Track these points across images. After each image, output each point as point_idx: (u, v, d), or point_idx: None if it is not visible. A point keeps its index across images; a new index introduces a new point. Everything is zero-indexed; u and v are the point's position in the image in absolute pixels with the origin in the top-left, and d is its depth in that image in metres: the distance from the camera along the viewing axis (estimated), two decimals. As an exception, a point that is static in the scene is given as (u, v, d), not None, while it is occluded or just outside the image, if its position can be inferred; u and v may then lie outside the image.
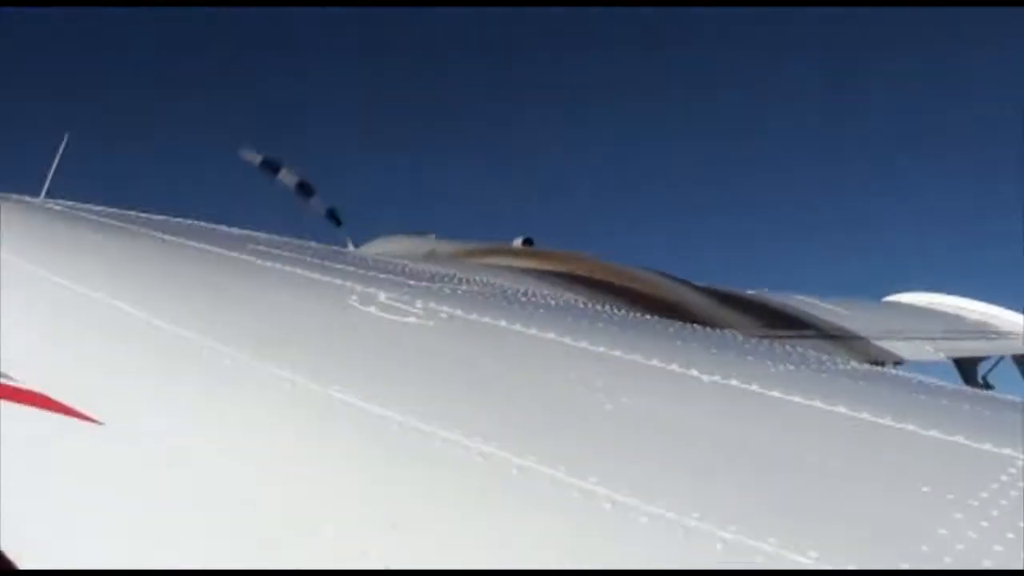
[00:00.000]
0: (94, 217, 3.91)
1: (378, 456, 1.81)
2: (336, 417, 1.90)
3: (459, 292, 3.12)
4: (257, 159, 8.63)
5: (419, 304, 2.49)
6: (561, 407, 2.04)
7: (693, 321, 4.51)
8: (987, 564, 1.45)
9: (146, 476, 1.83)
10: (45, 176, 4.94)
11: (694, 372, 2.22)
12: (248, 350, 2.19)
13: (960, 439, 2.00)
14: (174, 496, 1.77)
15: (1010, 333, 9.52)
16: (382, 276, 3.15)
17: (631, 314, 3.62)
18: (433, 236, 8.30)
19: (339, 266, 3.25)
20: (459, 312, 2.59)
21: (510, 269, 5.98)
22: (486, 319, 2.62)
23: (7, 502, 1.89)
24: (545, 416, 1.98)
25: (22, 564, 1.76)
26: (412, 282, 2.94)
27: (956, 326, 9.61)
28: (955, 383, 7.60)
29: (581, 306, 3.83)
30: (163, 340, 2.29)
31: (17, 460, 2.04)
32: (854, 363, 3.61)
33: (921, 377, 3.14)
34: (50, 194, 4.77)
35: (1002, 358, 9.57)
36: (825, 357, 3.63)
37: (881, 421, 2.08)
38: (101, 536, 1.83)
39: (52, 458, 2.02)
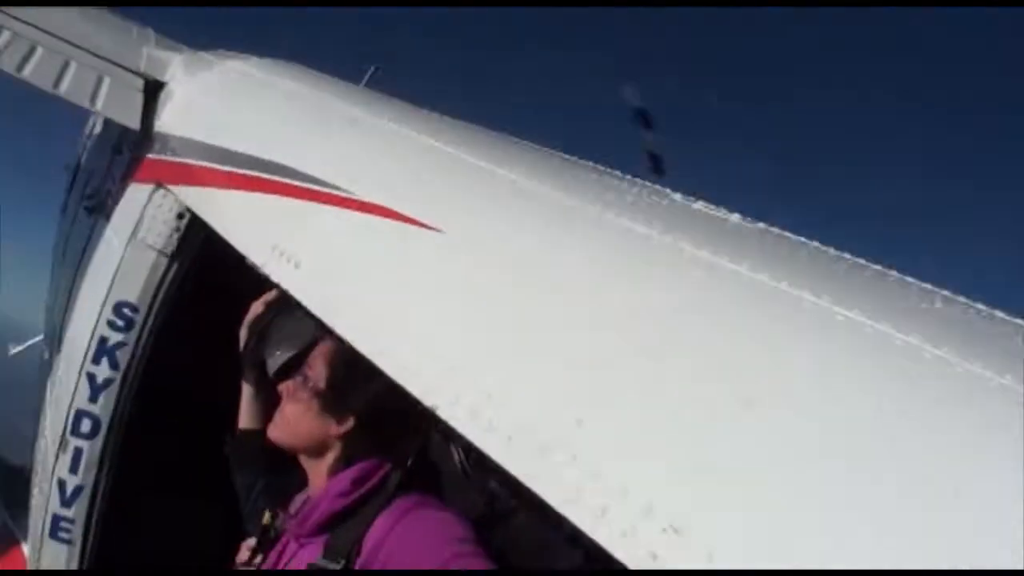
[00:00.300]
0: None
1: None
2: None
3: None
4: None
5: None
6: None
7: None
8: None
9: (482, 278, 1.96)
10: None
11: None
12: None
13: None
14: (510, 297, 1.89)
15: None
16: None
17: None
18: None
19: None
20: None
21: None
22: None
23: (359, 305, 2.11)
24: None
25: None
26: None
27: None
28: None
29: None
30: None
31: (363, 264, 2.23)
32: None
33: None
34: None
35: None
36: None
37: None
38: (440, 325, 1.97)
39: (395, 262, 2.16)
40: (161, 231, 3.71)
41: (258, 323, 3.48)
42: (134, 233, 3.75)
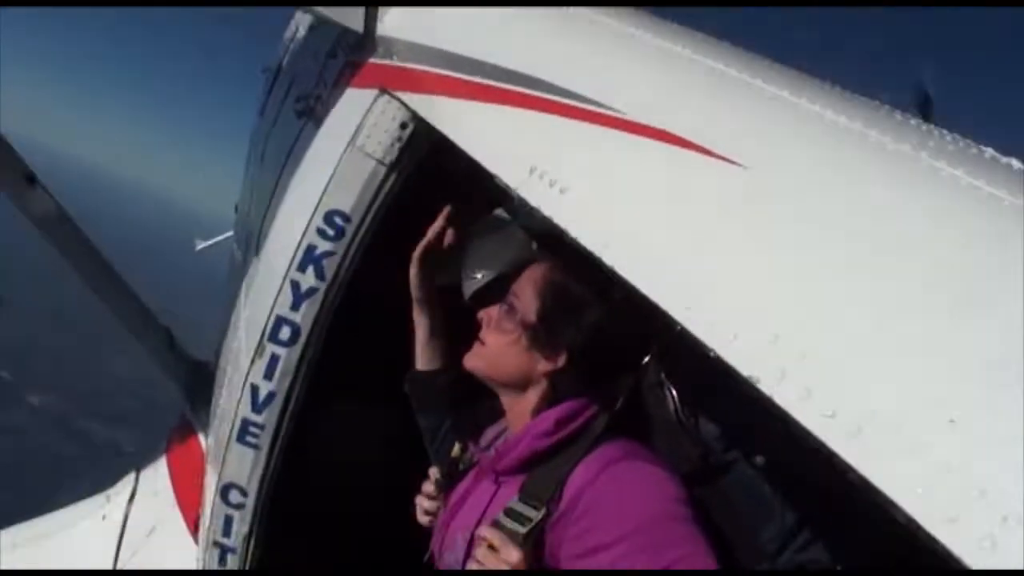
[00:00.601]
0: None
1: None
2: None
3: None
4: None
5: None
6: None
7: None
8: None
9: (797, 223, 1.76)
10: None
11: None
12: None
13: None
14: (830, 246, 1.69)
15: None
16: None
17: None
18: None
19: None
20: None
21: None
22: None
23: (644, 242, 1.92)
24: None
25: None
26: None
27: None
28: None
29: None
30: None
31: (650, 197, 2.05)
32: None
33: None
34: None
35: None
36: None
37: None
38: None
39: (690, 198, 1.97)
40: (382, 140, 3.55)
41: (447, 243, 3.34)
42: (352, 140, 3.61)
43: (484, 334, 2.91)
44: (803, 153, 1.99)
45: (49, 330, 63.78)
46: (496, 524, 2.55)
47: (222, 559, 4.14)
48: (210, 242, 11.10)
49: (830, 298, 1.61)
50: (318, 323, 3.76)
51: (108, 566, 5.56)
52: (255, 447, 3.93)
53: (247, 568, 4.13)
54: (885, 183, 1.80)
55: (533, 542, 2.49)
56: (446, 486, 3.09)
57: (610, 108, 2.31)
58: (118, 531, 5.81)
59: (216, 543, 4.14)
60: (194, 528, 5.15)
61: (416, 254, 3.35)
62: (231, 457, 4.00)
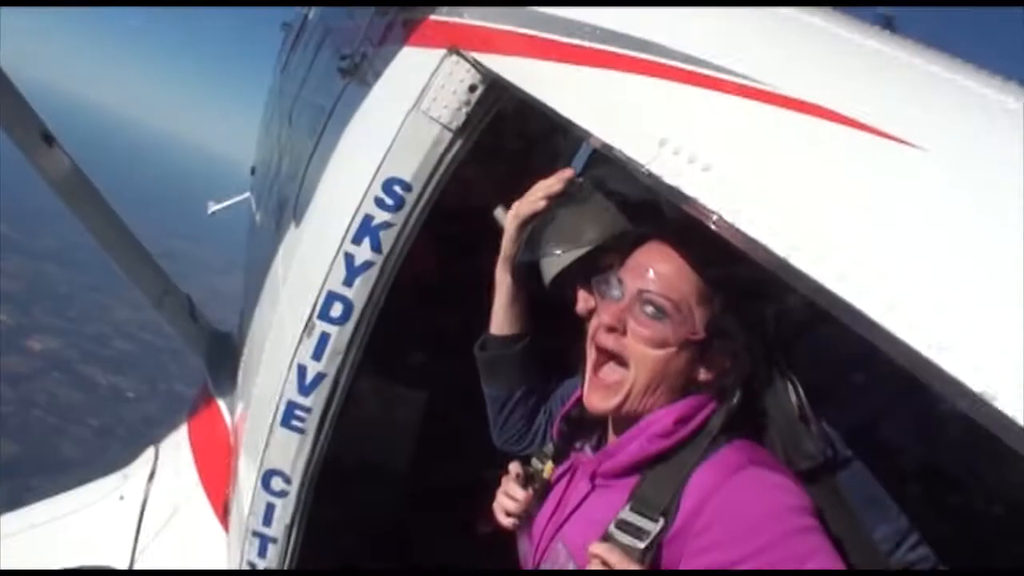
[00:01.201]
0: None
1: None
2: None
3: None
4: None
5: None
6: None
7: None
8: None
9: (965, 203, 1.57)
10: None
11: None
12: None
13: None
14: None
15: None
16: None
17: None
18: None
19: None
20: None
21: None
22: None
23: (810, 227, 1.71)
24: None
25: None
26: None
27: None
28: None
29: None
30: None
31: (813, 179, 1.82)
32: None
33: None
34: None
35: None
36: None
37: None
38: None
39: (865, 177, 1.74)
40: (449, 103, 3.28)
41: (533, 217, 3.05)
42: (416, 104, 3.33)
43: (619, 346, 2.47)
44: (980, 136, 1.74)
45: (52, 272, 64.28)
46: (608, 538, 2.30)
47: (262, 550, 3.90)
48: (224, 204, 10.82)
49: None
50: (372, 299, 3.50)
51: (127, 549, 5.33)
52: (301, 431, 3.68)
53: (289, 560, 3.90)
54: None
55: (652, 555, 2.26)
56: (537, 504, 2.79)
57: (753, 79, 2.03)
58: (137, 512, 5.58)
59: (256, 532, 3.89)
60: (222, 512, 4.92)
61: (520, 210, 3.04)
62: (274, 442, 3.75)
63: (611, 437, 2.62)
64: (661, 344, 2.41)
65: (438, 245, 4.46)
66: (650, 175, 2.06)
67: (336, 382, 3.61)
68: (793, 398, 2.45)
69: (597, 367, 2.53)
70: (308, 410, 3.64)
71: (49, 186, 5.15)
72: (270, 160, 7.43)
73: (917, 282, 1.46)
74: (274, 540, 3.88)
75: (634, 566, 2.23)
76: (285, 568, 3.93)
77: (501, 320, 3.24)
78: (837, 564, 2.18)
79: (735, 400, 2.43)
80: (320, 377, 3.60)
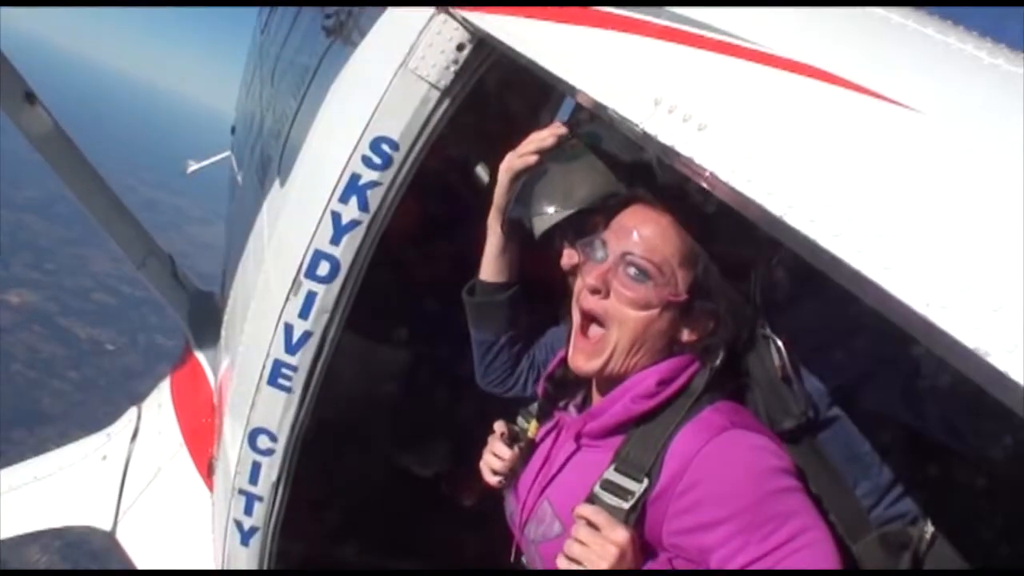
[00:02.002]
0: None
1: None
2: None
3: None
4: None
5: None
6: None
7: None
8: None
9: (963, 165, 1.58)
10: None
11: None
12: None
13: None
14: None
15: None
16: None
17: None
18: None
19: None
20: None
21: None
22: None
23: (805, 184, 1.72)
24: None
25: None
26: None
27: None
28: None
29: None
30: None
31: (811, 140, 1.83)
32: None
33: None
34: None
35: None
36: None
37: None
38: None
39: (862, 139, 1.75)
40: (437, 62, 3.26)
41: (525, 170, 3.08)
42: (404, 63, 3.31)
43: (601, 308, 2.52)
44: (978, 100, 1.76)
45: (32, 224, 63.87)
46: (593, 499, 2.36)
47: (248, 508, 3.92)
48: (203, 164, 10.75)
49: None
50: (359, 258, 3.50)
51: (110, 510, 5.35)
52: (287, 390, 3.68)
53: (275, 517, 3.92)
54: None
55: (636, 515, 2.32)
56: (522, 463, 2.84)
57: (747, 40, 2.05)
58: (120, 472, 5.58)
59: (242, 491, 3.91)
60: (206, 471, 4.93)
61: (512, 162, 3.10)
62: (260, 400, 3.75)
63: (595, 397, 2.67)
64: (644, 306, 2.46)
65: (421, 204, 4.47)
66: (645, 134, 2.06)
67: (323, 340, 3.61)
68: (776, 360, 2.48)
69: (582, 328, 2.57)
70: (295, 368, 3.65)
71: (32, 146, 5.12)
72: (251, 120, 7.38)
73: (913, 242, 1.47)
74: (260, 498, 3.90)
75: (620, 528, 2.28)
76: (271, 526, 3.96)
77: (490, 268, 3.31)
78: (818, 524, 2.24)
79: (718, 361, 2.47)
80: (307, 335, 3.60)
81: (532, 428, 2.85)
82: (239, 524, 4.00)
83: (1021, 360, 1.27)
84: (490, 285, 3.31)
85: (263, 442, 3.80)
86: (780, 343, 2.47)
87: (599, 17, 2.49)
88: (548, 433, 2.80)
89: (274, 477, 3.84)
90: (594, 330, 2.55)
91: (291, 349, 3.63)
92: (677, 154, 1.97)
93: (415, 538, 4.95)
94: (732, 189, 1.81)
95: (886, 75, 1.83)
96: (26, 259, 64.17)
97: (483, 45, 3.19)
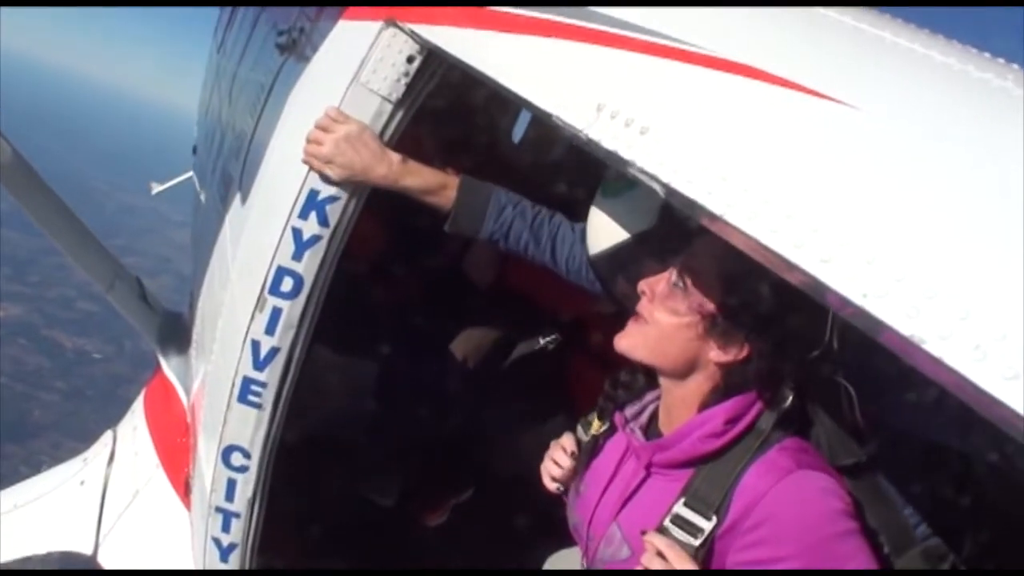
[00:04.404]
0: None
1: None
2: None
3: None
4: None
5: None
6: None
7: None
8: None
9: (898, 159, 1.63)
10: None
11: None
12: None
13: None
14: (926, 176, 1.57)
15: None
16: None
17: None
18: None
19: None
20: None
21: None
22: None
23: (747, 185, 1.75)
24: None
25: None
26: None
27: None
28: None
29: None
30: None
31: (750, 138, 1.87)
32: None
33: None
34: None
35: None
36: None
37: None
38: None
39: (799, 136, 1.82)
40: (388, 75, 3.30)
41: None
42: (356, 77, 3.35)
43: (646, 309, 2.68)
44: (912, 93, 1.83)
45: (10, 237, 63.30)
46: (663, 531, 2.46)
47: (226, 525, 3.94)
48: (167, 184, 10.75)
49: (955, 240, 1.45)
50: (321, 273, 3.52)
51: (91, 534, 5.34)
52: (258, 406, 3.70)
53: (253, 533, 3.94)
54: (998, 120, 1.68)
55: (705, 552, 2.42)
56: (585, 462, 2.97)
57: (686, 43, 2.10)
58: (99, 496, 5.58)
59: (219, 508, 3.92)
60: (183, 491, 4.94)
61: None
62: (232, 418, 3.77)
63: (661, 419, 2.78)
64: (672, 311, 2.59)
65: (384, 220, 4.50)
66: (588, 140, 2.11)
67: (290, 356, 3.63)
68: (845, 404, 2.55)
69: (632, 319, 2.72)
70: (264, 385, 3.67)
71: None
72: (211, 138, 7.38)
73: (850, 234, 1.52)
74: (237, 515, 3.91)
75: (690, 563, 2.37)
76: (249, 542, 3.98)
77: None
78: (872, 565, 2.35)
79: (786, 404, 2.52)
80: (274, 351, 3.62)
81: (595, 426, 2.97)
82: (217, 541, 4.02)
83: (955, 346, 1.32)
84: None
85: (237, 459, 3.82)
86: (851, 389, 2.52)
87: (541, 25, 2.54)
88: (619, 455, 2.86)
89: (250, 493, 3.85)
90: (633, 320, 2.70)
91: (259, 365, 3.65)
92: (621, 159, 2.01)
93: (397, 552, 4.97)
94: (674, 191, 1.86)
95: (822, 72, 1.88)
96: (6, 272, 63.74)
97: (432, 56, 3.23)
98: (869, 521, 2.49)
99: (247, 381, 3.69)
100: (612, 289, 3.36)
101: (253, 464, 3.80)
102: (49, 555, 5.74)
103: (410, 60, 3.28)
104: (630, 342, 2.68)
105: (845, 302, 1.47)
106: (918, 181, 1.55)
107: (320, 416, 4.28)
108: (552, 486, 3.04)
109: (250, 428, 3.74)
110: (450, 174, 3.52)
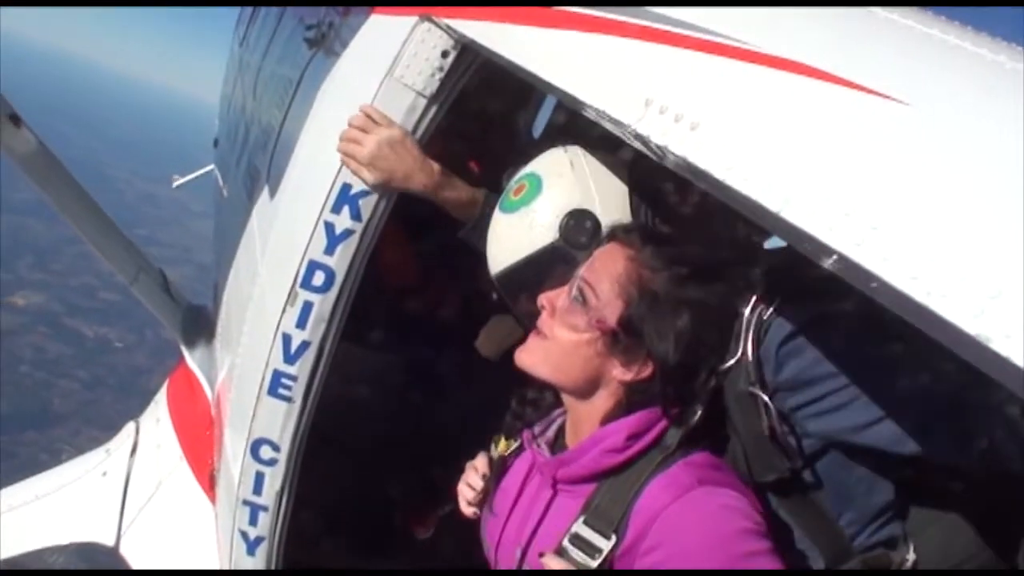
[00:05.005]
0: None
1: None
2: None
3: None
4: None
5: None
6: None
7: None
8: None
9: (953, 155, 1.61)
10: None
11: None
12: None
13: None
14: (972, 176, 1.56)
15: None
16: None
17: None
18: None
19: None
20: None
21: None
22: None
23: (797, 180, 1.75)
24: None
25: None
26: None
27: None
28: None
29: None
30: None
31: (801, 134, 1.86)
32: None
33: None
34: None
35: None
36: None
37: None
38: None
39: (854, 132, 1.78)
40: (422, 70, 3.31)
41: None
42: (389, 72, 3.35)
43: (546, 324, 2.57)
44: (965, 89, 1.80)
45: (33, 226, 63.64)
46: (561, 552, 2.36)
47: (253, 518, 3.95)
48: (188, 177, 10.78)
49: (1017, 238, 1.41)
50: (353, 267, 3.53)
51: (112, 525, 5.36)
52: (288, 400, 3.72)
53: (280, 526, 3.95)
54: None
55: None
56: (494, 482, 2.84)
57: (735, 39, 2.08)
58: (121, 487, 5.60)
59: (246, 501, 3.94)
60: (208, 483, 4.95)
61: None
62: (262, 411, 3.78)
63: (568, 435, 2.67)
64: (572, 327, 2.48)
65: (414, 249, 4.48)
66: (636, 135, 2.10)
67: (321, 349, 3.65)
68: (763, 419, 2.44)
69: (534, 332, 2.61)
70: (294, 378, 3.68)
71: (20, 168, 5.14)
72: (235, 132, 7.39)
73: (910, 232, 1.50)
74: (265, 508, 3.92)
75: None
76: (276, 536, 3.99)
77: None
78: None
79: (695, 418, 2.41)
80: (305, 345, 3.63)
81: (502, 446, 2.86)
82: (244, 534, 4.03)
83: (1020, 345, 1.31)
84: None
85: (266, 452, 3.83)
86: (767, 400, 2.42)
87: (582, 20, 2.53)
88: (524, 472, 2.77)
89: (278, 486, 3.87)
90: (533, 335, 2.60)
91: (290, 359, 3.66)
92: (671, 154, 2.00)
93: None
94: (728, 187, 1.85)
95: (872, 69, 1.86)
96: (29, 261, 64.07)
97: (467, 51, 3.23)
98: (796, 526, 2.47)
99: (277, 374, 3.70)
100: (514, 307, 3.26)
101: (282, 457, 3.82)
102: (68, 546, 5.77)
103: (444, 55, 3.28)
104: (531, 359, 2.57)
105: (906, 301, 1.46)
106: (977, 178, 1.53)
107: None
108: (469, 511, 2.90)
109: (280, 421, 3.76)
110: (472, 170, 3.51)
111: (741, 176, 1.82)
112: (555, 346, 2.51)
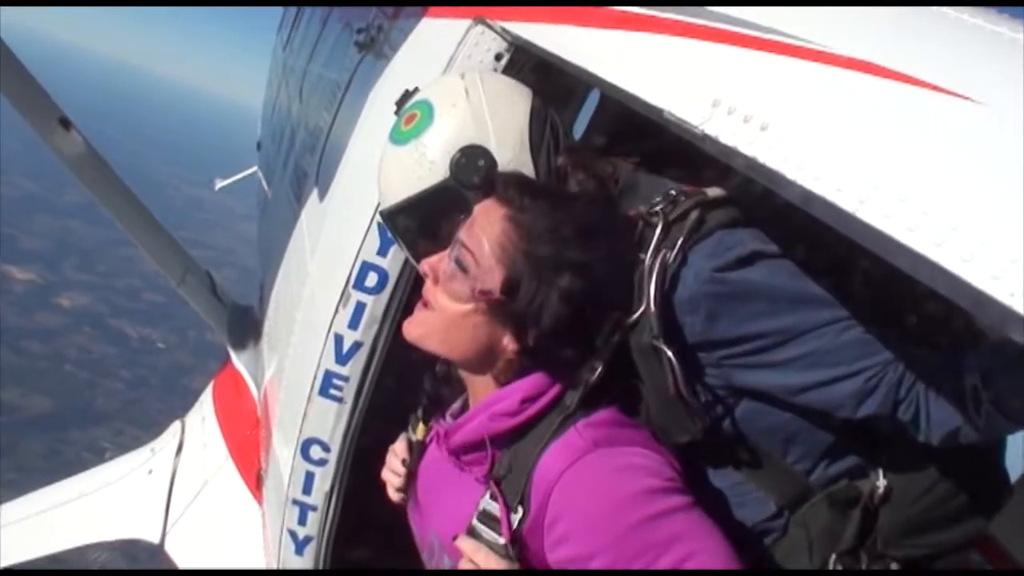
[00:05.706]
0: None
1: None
2: None
3: None
4: None
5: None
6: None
7: None
8: None
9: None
10: None
11: None
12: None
13: None
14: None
15: None
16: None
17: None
18: None
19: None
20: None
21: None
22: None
23: (869, 178, 1.73)
24: None
25: None
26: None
27: None
28: None
29: None
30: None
31: (871, 133, 1.84)
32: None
33: None
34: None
35: None
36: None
37: None
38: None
39: (925, 131, 1.78)
40: (476, 72, 3.32)
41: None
42: (444, 75, 3.36)
43: (431, 293, 2.39)
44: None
45: (78, 228, 64.41)
46: (472, 532, 2.23)
47: (303, 517, 3.97)
48: (230, 180, 10.86)
49: None
50: (407, 268, 3.52)
51: (158, 523, 5.40)
52: (339, 400, 3.73)
53: (329, 526, 3.96)
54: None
55: (518, 548, 2.18)
56: (414, 466, 2.67)
57: (802, 39, 2.07)
58: (167, 486, 5.64)
59: (295, 501, 3.96)
60: (254, 483, 4.98)
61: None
62: (312, 411, 3.80)
63: (471, 406, 2.49)
64: (457, 298, 2.31)
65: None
66: (704, 136, 2.09)
67: (373, 350, 3.65)
68: (668, 376, 2.32)
69: (421, 304, 2.45)
70: (346, 379, 3.69)
71: (70, 170, 5.20)
72: (280, 135, 7.44)
73: (990, 233, 1.49)
74: (314, 508, 3.94)
75: (502, 563, 2.16)
76: (325, 535, 4.00)
77: None
78: (706, 544, 2.07)
79: (594, 377, 2.24)
80: (357, 346, 3.64)
81: (420, 431, 2.67)
82: (293, 534, 4.05)
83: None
84: None
85: (316, 452, 3.85)
86: (671, 355, 2.30)
87: (640, 20, 2.54)
88: (432, 443, 2.63)
89: (327, 487, 3.88)
90: (420, 306, 2.44)
91: (342, 359, 3.68)
92: (741, 154, 1.99)
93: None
94: (800, 188, 1.84)
95: (943, 67, 1.86)
96: (74, 263, 64.89)
97: (520, 54, 3.23)
98: (733, 470, 2.40)
99: (329, 375, 3.72)
100: (412, 255, 3.00)
101: (332, 458, 3.83)
102: (112, 543, 5.81)
103: (498, 58, 3.27)
104: (417, 331, 2.41)
105: (991, 303, 1.44)
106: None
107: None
108: (396, 497, 2.73)
109: (330, 422, 3.77)
110: None
111: (812, 175, 1.81)
112: (440, 317, 2.34)
